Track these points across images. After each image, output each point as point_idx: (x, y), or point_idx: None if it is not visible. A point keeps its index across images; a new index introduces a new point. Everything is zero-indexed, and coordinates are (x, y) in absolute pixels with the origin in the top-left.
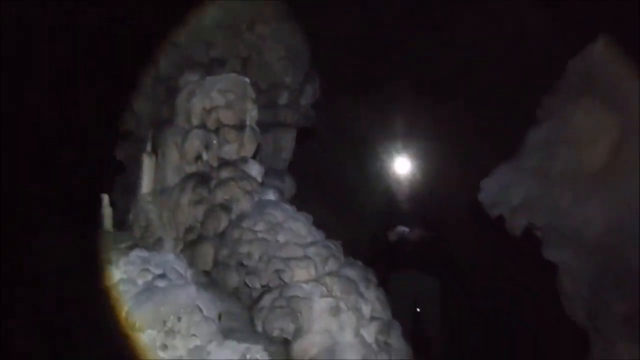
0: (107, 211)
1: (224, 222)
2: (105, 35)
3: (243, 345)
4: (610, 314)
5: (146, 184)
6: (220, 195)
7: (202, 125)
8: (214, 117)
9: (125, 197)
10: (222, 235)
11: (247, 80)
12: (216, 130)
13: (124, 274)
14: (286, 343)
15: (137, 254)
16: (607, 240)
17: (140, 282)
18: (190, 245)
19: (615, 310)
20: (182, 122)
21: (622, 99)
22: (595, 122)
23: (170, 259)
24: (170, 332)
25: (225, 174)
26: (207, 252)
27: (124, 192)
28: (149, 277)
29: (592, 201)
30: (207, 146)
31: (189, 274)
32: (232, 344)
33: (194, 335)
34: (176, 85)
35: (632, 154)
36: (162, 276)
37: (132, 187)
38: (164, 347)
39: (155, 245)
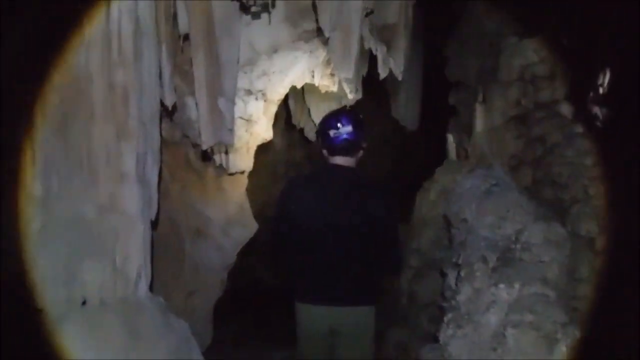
0: (451, 147)
1: (539, 151)
2: None
3: None
4: None
5: (479, 125)
6: (537, 131)
7: (520, 78)
8: (530, 71)
9: (459, 135)
10: (538, 161)
11: None
12: (531, 81)
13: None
14: None
15: (480, 171)
16: None
17: (483, 188)
18: (513, 169)
19: None
20: (505, 76)
21: None
22: None
23: (501, 175)
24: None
25: (540, 114)
26: (526, 173)
27: (458, 131)
28: (488, 185)
29: None
30: (525, 94)
31: (513, 185)
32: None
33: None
34: (497, 44)
35: None
36: (496, 185)
37: (466, 127)
38: None
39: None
